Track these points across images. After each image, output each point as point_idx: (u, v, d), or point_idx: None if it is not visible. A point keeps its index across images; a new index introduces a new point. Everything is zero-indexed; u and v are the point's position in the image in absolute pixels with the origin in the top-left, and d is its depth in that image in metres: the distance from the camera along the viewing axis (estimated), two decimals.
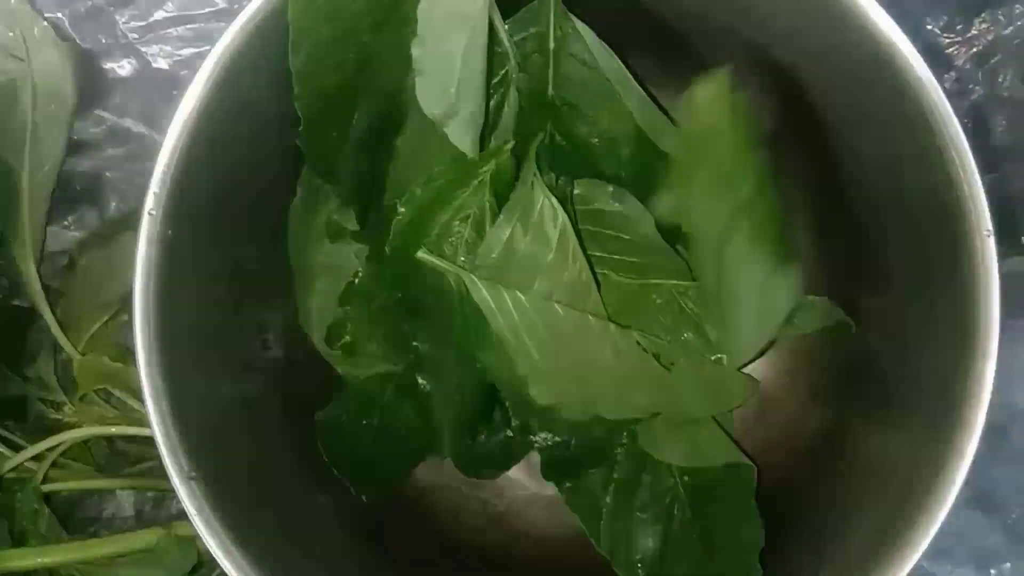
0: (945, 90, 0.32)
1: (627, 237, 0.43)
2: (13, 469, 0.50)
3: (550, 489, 0.48)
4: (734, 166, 0.40)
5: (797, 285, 0.42)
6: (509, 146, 0.39)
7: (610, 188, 0.43)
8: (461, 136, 0.38)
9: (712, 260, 0.41)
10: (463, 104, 0.37)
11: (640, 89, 0.42)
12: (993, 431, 0.33)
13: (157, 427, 0.35)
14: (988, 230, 0.31)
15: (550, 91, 0.41)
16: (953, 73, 0.47)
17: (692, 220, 0.41)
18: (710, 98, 0.38)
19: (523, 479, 0.51)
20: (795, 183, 0.45)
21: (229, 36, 0.35)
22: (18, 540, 0.48)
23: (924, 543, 0.34)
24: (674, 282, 0.44)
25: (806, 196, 0.45)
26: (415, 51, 0.36)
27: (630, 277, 0.44)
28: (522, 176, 0.40)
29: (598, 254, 0.44)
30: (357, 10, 0.36)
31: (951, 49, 0.48)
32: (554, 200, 0.39)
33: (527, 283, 0.40)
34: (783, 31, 0.38)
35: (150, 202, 0.35)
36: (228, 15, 0.52)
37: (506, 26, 0.39)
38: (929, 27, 0.47)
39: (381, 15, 0.37)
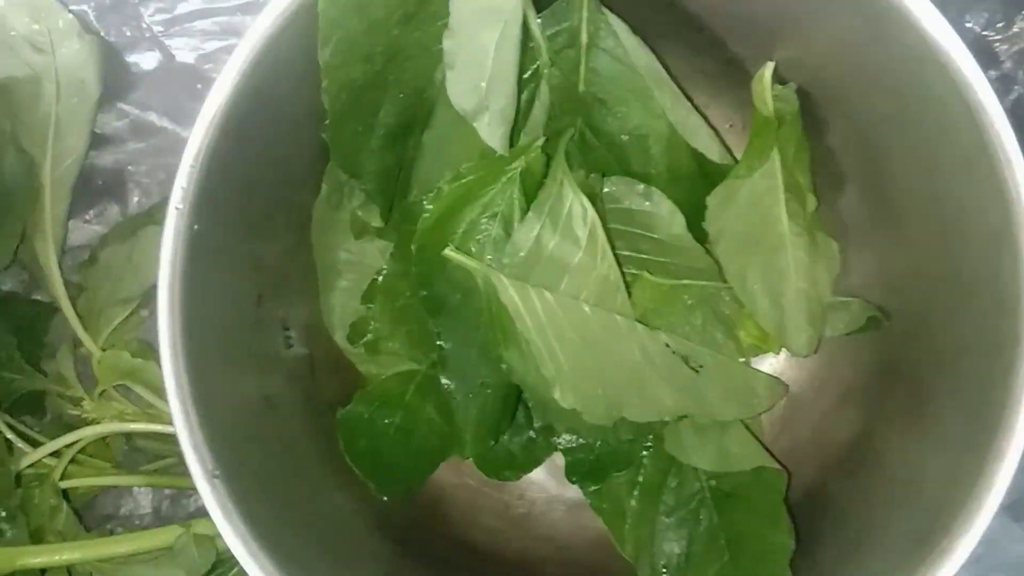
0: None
1: (657, 236, 0.42)
2: (32, 465, 0.49)
3: (571, 491, 0.48)
4: (797, 150, 0.39)
5: (838, 259, 0.42)
6: (539, 143, 0.38)
7: (640, 186, 0.42)
8: (491, 132, 0.37)
9: (756, 254, 0.41)
10: (494, 99, 0.37)
11: (674, 85, 0.41)
12: None
13: (180, 424, 0.34)
14: None
15: (581, 86, 0.41)
16: (992, 72, 0.46)
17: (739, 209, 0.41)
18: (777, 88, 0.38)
19: (544, 481, 0.50)
20: (834, 182, 0.44)
21: (258, 31, 0.34)
22: (36, 536, 0.48)
23: (963, 553, 0.33)
24: (705, 283, 0.43)
25: (844, 197, 0.44)
26: (446, 44, 0.35)
27: (661, 277, 0.43)
28: (551, 173, 0.40)
29: (628, 253, 0.43)
30: (388, 2, 0.35)
31: (993, 47, 0.47)
32: (584, 198, 0.39)
33: (555, 282, 0.39)
34: (826, 30, 0.37)
35: (177, 196, 0.34)
36: (254, 8, 0.52)
37: (539, 20, 0.39)
38: (968, 24, 0.46)
39: (411, 8, 0.36)
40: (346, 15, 0.35)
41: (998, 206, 0.31)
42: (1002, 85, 0.45)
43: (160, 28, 0.53)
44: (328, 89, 0.37)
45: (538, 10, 0.39)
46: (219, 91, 0.35)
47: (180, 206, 0.35)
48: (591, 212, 0.39)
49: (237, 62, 0.35)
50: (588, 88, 0.41)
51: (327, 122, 0.38)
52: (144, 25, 0.53)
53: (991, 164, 0.31)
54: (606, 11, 0.39)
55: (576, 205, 0.39)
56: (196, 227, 0.35)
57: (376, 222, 0.45)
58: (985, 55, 0.47)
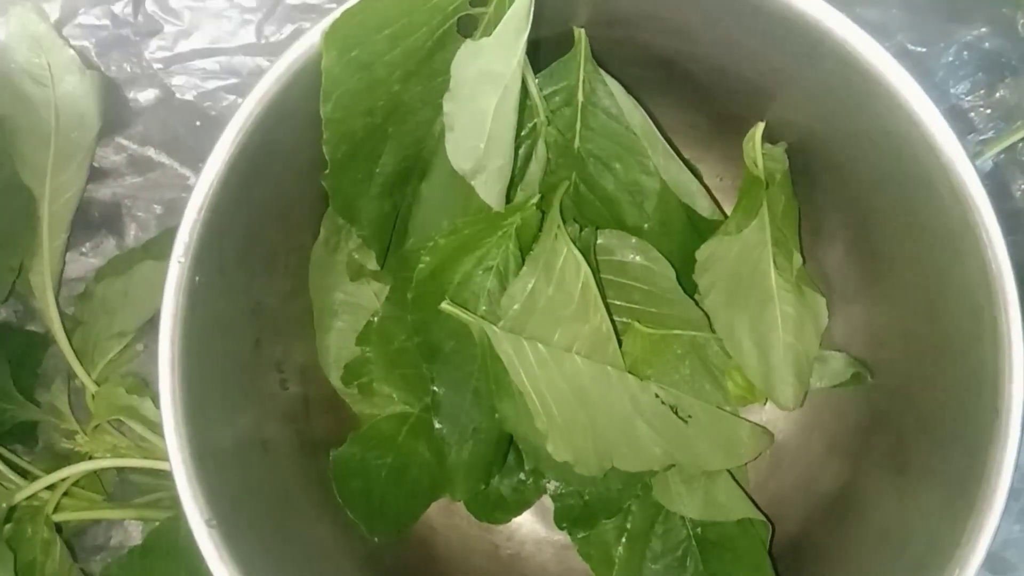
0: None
1: (648, 288, 0.43)
2: (25, 499, 0.50)
3: (560, 534, 0.48)
4: (786, 208, 0.40)
5: (825, 314, 0.43)
6: (535, 200, 0.39)
7: (633, 240, 0.43)
8: (488, 190, 0.38)
9: (744, 307, 0.42)
10: (492, 159, 0.37)
11: (666, 144, 0.42)
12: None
13: (180, 475, 0.35)
14: (1015, 307, 0.31)
15: (577, 143, 0.42)
16: (972, 136, 0.48)
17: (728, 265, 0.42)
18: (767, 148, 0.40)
19: (534, 523, 0.51)
20: (821, 238, 0.45)
21: (264, 87, 0.35)
22: (26, 571, 0.48)
23: None
24: (694, 333, 0.44)
25: (831, 252, 0.45)
26: (447, 107, 0.36)
27: (651, 327, 0.44)
28: (546, 227, 0.41)
29: (619, 303, 0.44)
30: (390, 61, 0.36)
31: (972, 113, 0.48)
32: (577, 252, 0.40)
33: (548, 334, 0.40)
34: (815, 96, 0.38)
35: (179, 250, 0.35)
36: (254, 49, 0.52)
37: (536, 79, 0.40)
38: (952, 90, 0.48)
39: (412, 66, 0.37)
40: (348, 73, 0.36)
41: (980, 283, 0.32)
42: (984, 148, 0.47)
43: (160, 65, 0.53)
44: (328, 141, 0.37)
45: (536, 70, 0.40)
46: (222, 146, 0.36)
47: (183, 259, 0.35)
48: (584, 267, 0.40)
49: (240, 119, 0.36)
50: (583, 145, 0.42)
51: (327, 171, 0.39)
52: (145, 62, 0.53)
53: (974, 244, 0.32)
54: (602, 71, 0.40)
55: (570, 259, 0.40)
56: (198, 279, 0.36)
57: (372, 265, 0.46)
58: (967, 120, 0.49)
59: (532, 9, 0.34)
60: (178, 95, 0.54)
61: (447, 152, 0.37)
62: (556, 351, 0.40)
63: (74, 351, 0.53)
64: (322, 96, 0.36)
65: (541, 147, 0.41)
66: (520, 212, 0.39)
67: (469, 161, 0.37)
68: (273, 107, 0.36)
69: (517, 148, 0.40)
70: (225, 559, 0.35)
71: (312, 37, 0.35)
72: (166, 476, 0.53)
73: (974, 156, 0.46)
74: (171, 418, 0.35)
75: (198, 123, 0.54)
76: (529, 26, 0.34)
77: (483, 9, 0.35)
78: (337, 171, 0.39)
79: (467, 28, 0.36)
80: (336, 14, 0.33)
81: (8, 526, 0.49)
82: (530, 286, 0.40)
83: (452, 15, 0.35)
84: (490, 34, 0.34)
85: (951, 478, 0.36)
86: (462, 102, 0.36)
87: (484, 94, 0.35)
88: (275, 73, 0.36)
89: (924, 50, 0.49)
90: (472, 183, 0.38)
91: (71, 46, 0.51)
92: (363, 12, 0.33)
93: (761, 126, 0.41)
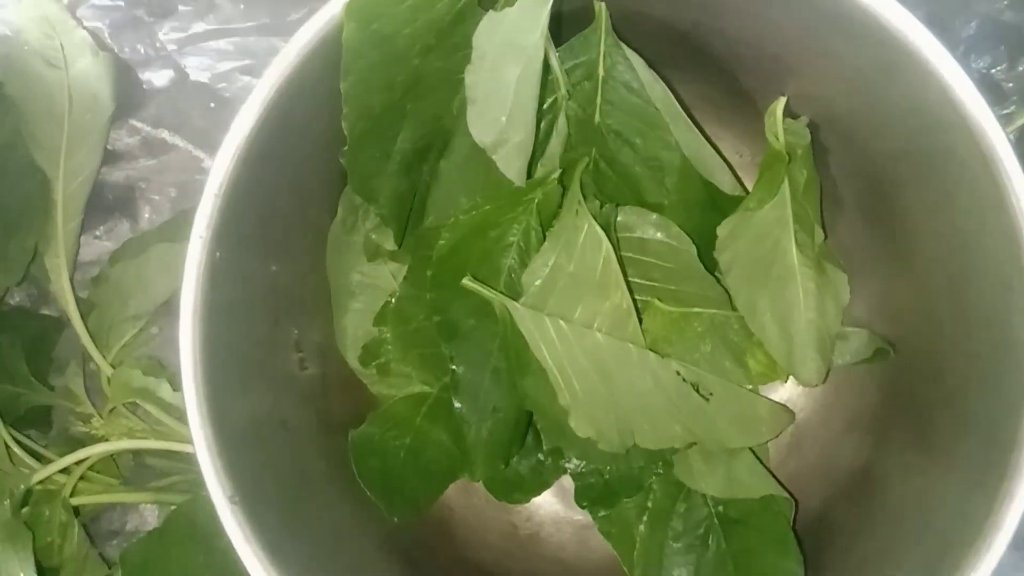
0: None
1: (669, 265, 0.43)
2: (40, 481, 0.50)
3: (579, 513, 0.48)
4: (807, 184, 0.40)
5: (847, 290, 0.43)
6: (556, 175, 0.39)
7: (653, 216, 0.42)
8: (509, 164, 0.38)
9: (765, 284, 0.41)
10: (513, 133, 0.37)
11: (687, 118, 0.42)
12: None
13: (203, 452, 0.35)
14: None
15: (597, 118, 0.41)
16: (995, 109, 0.47)
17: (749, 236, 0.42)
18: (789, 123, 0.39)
19: (552, 503, 0.51)
20: (841, 213, 0.45)
21: (282, 63, 0.35)
22: (44, 553, 0.48)
23: None
24: (715, 311, 0.44)
25: (851, 227, 0.45)
26: (468, 78, 0.36)
27: (672, 305, 0.43)
28: (566, 203, 0.40)
29: (640, 281, 0.44)
30: (411, 33, 0.36)
31: (994, 86, 0.48)
32: (598, 228, 0.39)
33: (569, 311, 0.40)
34: (837, 68, 0.38)
35: (200, 225, 0.35)
36: (268, 30, 0.52)
37: (557, 53, 0.39)
38: (974, 64, 0.48)
39: (432, 40, 0.37)
40: (369, 47, 0.35)
41: (1010, 255, 0.32)
42: (1005, 122, 0.46)
43: (174, 46, 0.53)
44: (348, 116, 0.37)
45: (556, 44, 0.39)
46: (242, 122, 0.35)
47: (203, 235, 0.35)
48: (605, 242, 0.39)
49: (260, 94, 0.35)
50: (604, 119, 0.41)
51: (346, 148, 0.38)
52: (158, 43, 0.53)
53: (1004, 213, 0.32)
54: (623, 45, 0.40)
55: (591, 235, 0.39)
56: (218, 255, 0.36)
57: (389, 245, 0.45)
58: (990, 93, 0.48)
59: None
60: (192, 76, 0.53)
61: (468, 125, 0.37)
62: (577, 328, 0.40)
63: (89, 334, 0.53)
64: (343, 69, 0.36)
65: (562, 121, 0.41)
66: (541, 187, 0.39)
67: (491, 134, 0.37)
68: (290, 85, 0.36)
69: (538, 123, 0.40)
70: (248, 536, 0.35)
71: (327, 13, 0.35)
72: (182, 459, 0.53)
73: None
74: (193, 396, 0.35)
75: (212, 105, 0.54)
76: None
77: None
78: (355, 148, 0.38)
79: (489, 3, 0.36)
80: None
81: (25, 509, 0.49)
82: (551, 262, 0.39)
83: None
84: (512, 4, 0.34)
85: (977, 453, 0.35)
86: (484, 73, 0.35)
87: (507, 65, 0.35)
88: (292, 50, 0.35)
89: (945, 24, 0.48)
90: (493, 157, 0.37)
91: (84, 27, 0.51)
92: None
93: (783, 100, 0.41)
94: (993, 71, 0.48)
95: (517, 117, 0.37)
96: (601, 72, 0.40)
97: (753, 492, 0.43)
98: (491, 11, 0.34)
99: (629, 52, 0.40)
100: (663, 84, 0.41)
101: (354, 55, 0.35)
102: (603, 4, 0.39)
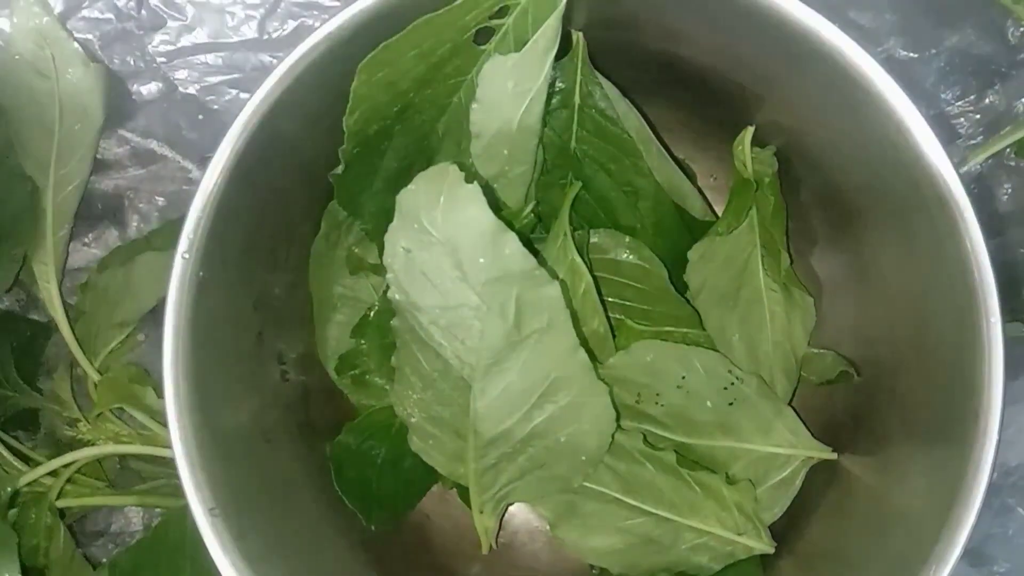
0: (954, 161, 0.34)
1: (641, 286, 0.44)
2: (27, 484, 0.51)
3: None
4: (775, 210, 0.41)
5: (813, 313, 0.44)
6: (530, 207, 0.41)
7: (627, 239, 0.44)
8: (509, 193, 0.40)
9: (734, 307, 0.43)
10: (515, 165, 0.39)
11: (659, 145, 0.43)
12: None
13: (183, 464, 0.36)
14: (996, 313, 0.32)
15: (573, 144, 0.43)
16: (961, 141, 0.49)
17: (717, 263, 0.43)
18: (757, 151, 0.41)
19: (526, 513, 0.52)
20: (809, 238, 0.46)
21: (269, 84, 0.36)
22: (30, 555, 0.49)
23: None
24: (686, 330, 0.45)
25: (819, 252, 0.46)
26: (474, 116, 0.38)
27: (643, 324, 0.45)
28: (553, 232, 0.42)
29: (612, 300, 0.45)
30: (414, 76, 0.37)
31: (962, 117, 0.49)
32: (580, 262, 0.41)
33: None
34: (804, 101, 0.39)
35: (183, 245, 0.36)
36: (256, 45, 0.53)
37: None
38: (943, 95, 0.49)
39: (430, 75, 0.38)
40: (375, 91, 0.37)
41: (963, 288, 0.33)
42: (975, 152, 0.48)
43: (164, 59, 0.54)
44: (346, 150, 0.39)
45: None
46: (229, 141, 0.36)
47: (187, 255, 0.36)
48: (587, 276, 0.41)
49: (247, 113, 0.36)
50: (579, 146, 0.43)
51: (338, 169, 0.40)
52: (148, 56, 0.54)
53: (958, 251, 0.33)
54: (598, 75, 0.41)
55: (574, 266, 0.41)
56: (202, 274, 0.37)
57: (372, 259, 0.46)
58: (953, 126, 0.50)
59: (560, 28, 0.35)
60: (181, 89, 0.54)
61: (473, 159, 0.38)
62: None
63: (76, 340, 0.54)
64: (348, 109, 0.37)
65: (539, 149, 0.42)
66: (517, 220, 0.40)
67: (494, 167, 0.38)
68: (277, 104, 0.37)
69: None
70: (227, 546, 0.36)
71: (319, 35, 0.36)
72: (167, 463, 0.54)
73: (963, 161, 0.47)
74: (175, 409, 0.36)
75: (200, 117, 0.54)
76: (557, 44, 0.35)
77: (500, 21, 0.36)
78: (346, 168, 0.40)
79: (482, 37, 0.37)
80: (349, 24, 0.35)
81: (12, 511, 0.50)
82: None
83: (472, 27, 0.36)
84: (506, 43, 0.36)
85: (933, 475, 0.37)
86: (489, 113, 0.37)
87: (511, 105, 0.37)
88: (280, 71, 0.36)
89: (915, 55, 0.50)
90: (495, 186, 0.39)
91: (75, 39, 0.52)
92: (399, 42, 0.35)
93: (751, 130, 0.42)
94: (960, 102, 0.50)
95: (519, 151, 0.39)
96: (577, 100, 0.41)
97: None
98: (497, 55, 0.36)
99: (604, 81, 0.41)
100: (637, 112, 0.42)
101: (360, 99, 0.37)
102: (580, 34, 0.40)
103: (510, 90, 0.36)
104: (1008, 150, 0.48)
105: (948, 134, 0.37)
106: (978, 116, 0.49)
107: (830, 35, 0.34)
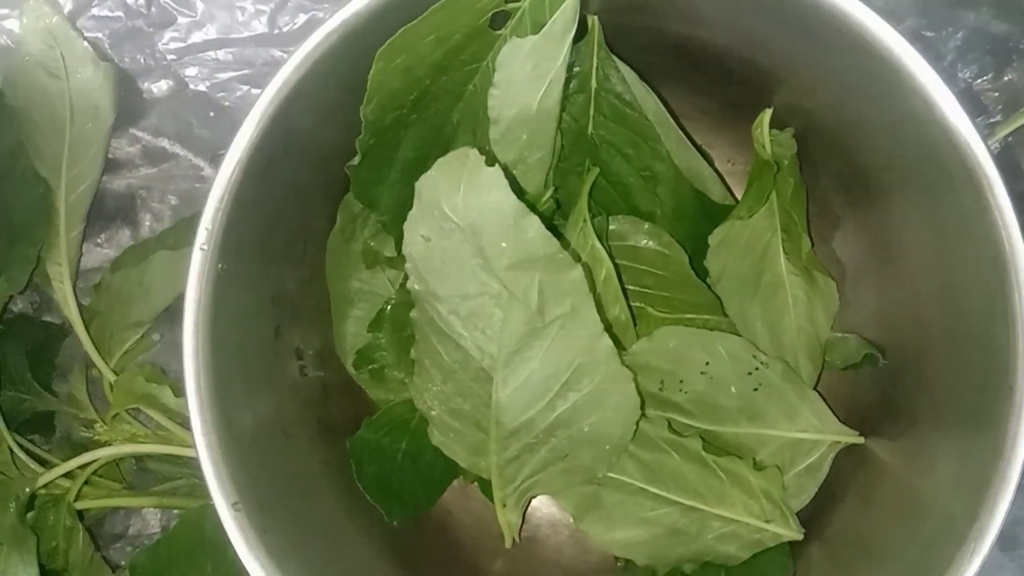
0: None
1: (661, 273, 0.44)
2: (45, 486, 0.50)
3: None
4: (794, 193, 0.41)
5: (836, 297, 0.44)
6: (549, 194, 0.40)
7: (646, 225, 0.43)
8: (528, 180, 0.39)
9: (756, 292, 0.42)
10: (534, 150, 0.39)
11: (678, 130, 0.43)
12: None
13: (206, 459, 0.35)
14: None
15: (590, 129, 0.42)
16: (981, 119, 0.48)
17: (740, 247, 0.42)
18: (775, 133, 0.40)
19: (549, 505, 0.51)
20: (831, 222, 0.45)
21: (283, 76, 0.36)
22: (49, 557, 0.49)
23: None
24: (707, 316, 0.45)
25: (841, 236, 0.46)
26: (492, 101, 0.37)
27: (664, 311, 0.44)
28: (572, 220, 0.41)
29: (632, 288, 0.44)
30: (431, 62, 0.37)
31: (981, 96, 0.49)
32: (600, 247, 0.40)
33: None
34: (824, 81, 0.39)
35: (202, 237, 0.35)
36: (267, 40, 0.53)
37: None
38: (961, 74, 0.48)
39: (445, 61, 0.38)
40: (391, 78, 0.37)
41: (994, 267, 0.32)
42: (992, 132, 0.47)
43: (173, 56, 0.54)
44: (363, 140, 0.38)
45: None
46: (243, 135, 0.36)
47: (205, 247, 0.36)
48: (607, 262, 0.41)
49: (260, 107, 0.36)
50: (597, 131, 0.42)
51: (354, 161, 0.39)
52: (158, 53, 0.54)
53: (988, 226, 0.32)
54: (615, 58, 0.41)
55: (595, 254, 0.41)
56: (221, 266, 0.36)
57: (388, 252, 0.46)
58: (977, 104, 0.49)
59: (578, 8, 0.34)
60: (191, 86, 0.54)
61: (491, 144, 0.38)
62: None
63: (91, 341, 0.53)
64: (366, 97, 0.37)
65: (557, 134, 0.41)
66: (537, 205, 0.40)
67: (512, 152, 0.38)
68: (291, 96, 0.37)
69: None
70: (251, 542, 0.36)
71: (333, 23, 0.35)
72: (184, 463, 0.54)
73: (984, 139, 0.46)
74: (196, 404, 0.36)
75: (211, 114, 0.54)
76: (576, 25, 0.35)
77: (516, 4, 0.36)
78: (362, 159, 0.39)
79: (498, 21, 0.37)
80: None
81: (30, 514, 0.50)
82: None
83: (489, 11, 0.36)
84: (523, 26, 0.35)
85: (964, 457, 0.36)
86: (507, 96, 0.37)
87: (529, 89, 0.36)
88: (294, 63, 0.36)
89: (932, 35, 0.49)
90: (514, 172, 0.38)
91: (85, 38, 0.52)
92: (418, 26, 0.34)
93: (769, 112, 0.41)
94: (980, 81, 0.49)
95: (537, 136, 0.38)
96: (594, 84, 0.41)
97: None
98: (515, 38, 0.36)
99: (621, 65, 0.41)
100: (655, 96, 0.42)
101: (378, 87, 0.37)
102: (596, 18, 0.40)
103: (529, 73, 0.36)
104: None
105: (971, 111, 0.36)
106: (996, 94, 0.49)
107: (855, 12, 0.34)
